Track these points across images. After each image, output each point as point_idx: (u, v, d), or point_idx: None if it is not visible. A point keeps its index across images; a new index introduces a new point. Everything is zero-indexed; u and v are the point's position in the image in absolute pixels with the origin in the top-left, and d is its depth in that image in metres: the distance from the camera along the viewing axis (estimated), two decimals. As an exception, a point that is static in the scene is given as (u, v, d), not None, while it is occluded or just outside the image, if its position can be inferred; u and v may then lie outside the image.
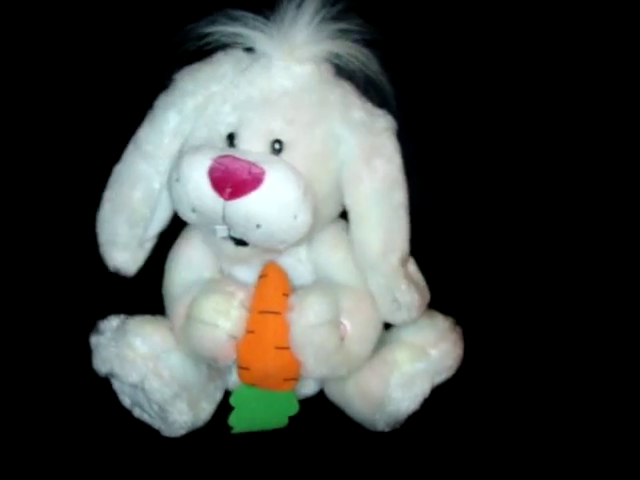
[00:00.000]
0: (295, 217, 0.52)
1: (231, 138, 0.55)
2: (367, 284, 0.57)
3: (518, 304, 0.73)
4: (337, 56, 0.56)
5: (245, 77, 0.56)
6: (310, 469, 0.57)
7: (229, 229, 0.53)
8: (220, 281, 0.57)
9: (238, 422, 0.57)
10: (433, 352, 0.58)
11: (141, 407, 0.58)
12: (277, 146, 0.54)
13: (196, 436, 0.59)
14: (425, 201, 0.60)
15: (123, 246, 0.58)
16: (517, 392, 0.65)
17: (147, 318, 0.59)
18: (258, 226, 0.51)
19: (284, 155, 0.54)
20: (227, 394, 0.61)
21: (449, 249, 0.74)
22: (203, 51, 0.56)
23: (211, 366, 0.58)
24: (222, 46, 0.56)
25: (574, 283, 0.75)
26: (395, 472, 0.57)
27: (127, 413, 0.59)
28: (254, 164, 0.51)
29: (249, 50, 0.57)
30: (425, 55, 0.70)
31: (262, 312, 0.54)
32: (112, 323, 0.59)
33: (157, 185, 0.57)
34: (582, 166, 0.74)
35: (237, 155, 0.51)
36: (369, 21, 0.55)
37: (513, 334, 0.71)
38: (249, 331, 0.54)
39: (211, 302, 0.54)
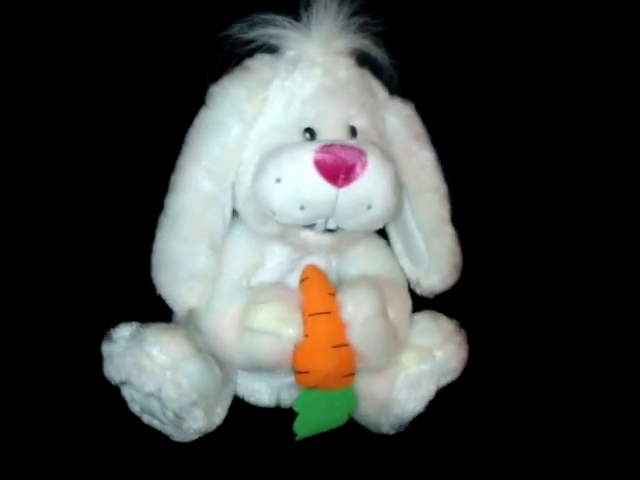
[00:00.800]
0: (396, 192, 0.53)
1: (309, 132, 0.55)
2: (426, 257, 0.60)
3: (522, 307, 0.73)
4: (365, 48, 0.57)
5: (300, 77, 0.55)
6: (314, 472, 0.57)
7: (327, 221, 0.53)
8: (271, 288, 0.56)
9: (302, 428, 0.57)
10: (438, 354, 0.58)
11: (152, 414, 0.57)
12: (352, 132, 0.56)
13: (203, 440, 0.58)
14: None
15: (201, 279, 0.55)
16: (521, 394, 0.65)
17: (162, 326, 0.57)
18: (370, 207, 0.52)
19: (360, 139, 0.55)
20: (235, 398, 0.61)
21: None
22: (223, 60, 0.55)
23: (223, 370, 0.58)
24: (246, 53, 0.56)
25: (579, 287, 0.75)
26: (399, 475, 0.57)
27: (136, 418, 0.58)
28: (357, 147, 0.51)
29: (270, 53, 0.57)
30: (441, 50, 0.71)
31: (313, 314, 0.54)
32: (125, 331, 0.57)
33: (226, 203, 0.56)
34: (589, 168, 0.75)
35: (339, 142, 0.52)
36: (388, 15, 0.56)
37: (517, 337, 0.72)
38: (304, 335, 0.53)
39: (273, 312, 0.53)
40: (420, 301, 0.62)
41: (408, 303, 0.60)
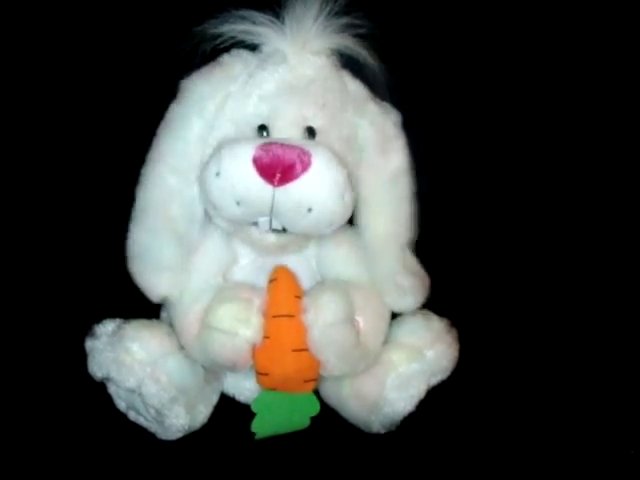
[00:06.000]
0: (343, 197, 0.52)
1: (262, 129, 0.55)
2: (373, 274, 0.58)
3: (513, 305, 0.73)
4: (346, 49, 0.56)
5: (264, 72, 0.55)
6: (305, 471, 0.57)
7: (271, 221, 0.53)
8: (235, 288, 0.57)
9: (261, 428, 0.57)
10: (429, 353, 0.58)
11: (137, 411, 0.58)
12: (309, 133, 0.55)
13: (192, 438, 0.58)
14: (420, 202, 0.60)
15: (169, 269, 0.57)
16: (512, 393, 0.65)
17: (143, 322, 0.59)
18: (309, 210, 0.51)
19: (317, 140, 0.55)
20: (223, 396, 0.61)
21: (444, 251, 0.74)
22: (202, 55, 0.55)
23: (207, 369, 0.58)
24: (225, 47, 0.56)
25: (570, 284, 0.75)
26: (390, 474, 0.56)
27: (122, 416, 0.59)
28: (300, 147, 0.51)
29: (252, 49, 0.57)
30: (426, 49, 0.70)
31: (276, 316, 0.54)
32: (108, 327, 0.58)
33: (194, 197, 0.56)
34: (582, 163, 0.75)
35: (281, 141, 0.51)
36: (371, 16, 0.56)
37: (508, 335, 0.71)
38: (265, 336, 0.53)
39: (230, 311, 0.53)
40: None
41: (384, 311, 0.59)
